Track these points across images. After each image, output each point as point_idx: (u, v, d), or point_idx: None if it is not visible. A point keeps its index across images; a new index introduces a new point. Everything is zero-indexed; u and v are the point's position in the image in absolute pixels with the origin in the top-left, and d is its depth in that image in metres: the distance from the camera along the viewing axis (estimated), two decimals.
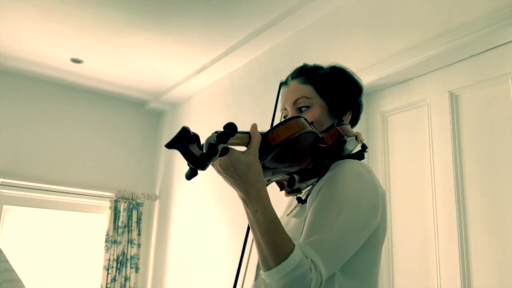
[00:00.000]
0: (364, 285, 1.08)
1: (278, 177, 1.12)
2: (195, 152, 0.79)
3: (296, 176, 1.13)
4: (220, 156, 0.85)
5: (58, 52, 3.52)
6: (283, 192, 1.21)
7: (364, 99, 2.53)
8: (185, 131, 0.78)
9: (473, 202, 1.89)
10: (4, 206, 3.80)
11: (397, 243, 2.15)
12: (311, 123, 1.05)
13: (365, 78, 2.30)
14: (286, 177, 1.13)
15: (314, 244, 0.96)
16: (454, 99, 2.03)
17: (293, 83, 1.22)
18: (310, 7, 2.65)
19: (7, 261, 0.98)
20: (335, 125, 1.13)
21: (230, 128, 0.84)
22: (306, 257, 0.92)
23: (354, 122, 1.28)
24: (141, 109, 4.58)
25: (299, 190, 1.19)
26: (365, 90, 2.37)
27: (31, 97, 4.01)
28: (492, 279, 1.77)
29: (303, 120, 1.02)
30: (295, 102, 1.19)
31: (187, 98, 4.21)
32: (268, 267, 0.92)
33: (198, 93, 4.04)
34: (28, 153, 3.91)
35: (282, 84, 1.26)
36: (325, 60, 2.78)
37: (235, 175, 0.90)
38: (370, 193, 1.06)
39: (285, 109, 1.22)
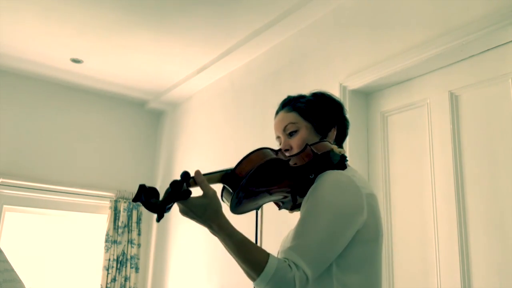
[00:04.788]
0: (363, 278, 1.17)
1: (276, 197, 1.26)
2: (154, 202, 0.97)
3: (296, 194, 1.26)
4: (182, 199, 1.02)
5: (58, 52, 3.53)
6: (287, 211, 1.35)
7: (364, 99, 2.54)
8: (142, 187, 0.96)
9: (473, 202, 1.89)
10: (4, 206, 3.80)
11: (397, 243, 2.15)
12: (278, 151, 1.21)
13: (365, 78, 2.31)
14: (282, 197, 1.27)
15: (296, 248, 1.10)
16: (454, 99, 2.03)
17: (281, 113, 1.38)
18: (310, 7, 2.65)
19: (7, 261, 0.98)
20: (308, 144, 1.27)
21: (183, 176, 1.01)
22: (285, 261, 1.07)
23: (342, 136, 1.40)
24: (141, 109, 4.59)
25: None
26: (365, 90, 2.39)
27: (31, 97, 4.01)
28: (492, 279, 1.77)
29: (265, 150, 1.16)
30: (284, 129, 1.35)
31: (187, 98, 4.21)
32: (253, 279, 1.07)
33: (198, 93, 4.04)
34: (28, 153, 3.91)
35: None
36: (325, 60, 2.78)
37: (195, 217, 1.07)
38: (349, 195, 1.17)
39: (278, 137, 1.37)
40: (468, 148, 1.94)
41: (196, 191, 1.06)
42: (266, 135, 2.95)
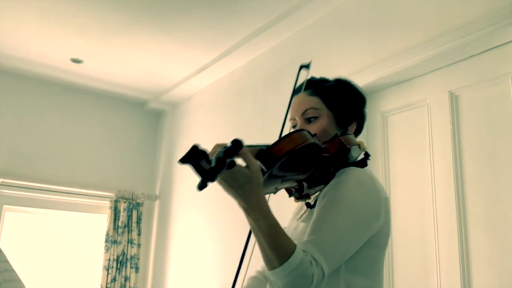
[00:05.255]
0: (370, 282, 1.16)
1: (287, 185, 1.21)
2: (204, 166, 0.87)
3: (304, 183, 1.21)
4: (227, 169, 0.91)
5: (58, 52, 3.53)
6: (293, 198, 1.30)
7: None
8: (195, 148, 0.88)
9: (473, 202, 1.89)
10: (4, 206, 3.80)
11: (397, 243, 2.15)
12: (314, 135, 1.14)
13: (365, 78, 2.31)
14: (295, 184, 1.22)
15: (316, 242, 1.05)
16: (454, 99, 2.03)
17: (302, 95, 1.29)
18: (310, 7, 2.65)
19: (7, 261, 0.98)
20: (338, 135, 1.21)
21: (236, 144, 0.92)
22: (307, 255, 1.01)
23: (358, 131, 1.35)
24: (141, 109, 4.59)
25: (308, 196, 1.27)
26: (365, 90, 2.38)
27: (31, 97, 4.01)
28: (492, 279, 1.77)
29: (305, 133, 1.10)
30: (303, 113, 1.27)
31: (187, 98, 4.21)
32: (272, 267, 0.99)
33: (198, 93, 4.04)
34: (28, 153, 3.91)
35: (302, 67, 1.32)
36: (325, 60, 2.78)
37: (236, 186, 0.96)
38: (371, 198, 1.14)
39: (294, 119, 1.29)
40: (468, 148, 1.94)
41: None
42: (266, 135, 2.95)
